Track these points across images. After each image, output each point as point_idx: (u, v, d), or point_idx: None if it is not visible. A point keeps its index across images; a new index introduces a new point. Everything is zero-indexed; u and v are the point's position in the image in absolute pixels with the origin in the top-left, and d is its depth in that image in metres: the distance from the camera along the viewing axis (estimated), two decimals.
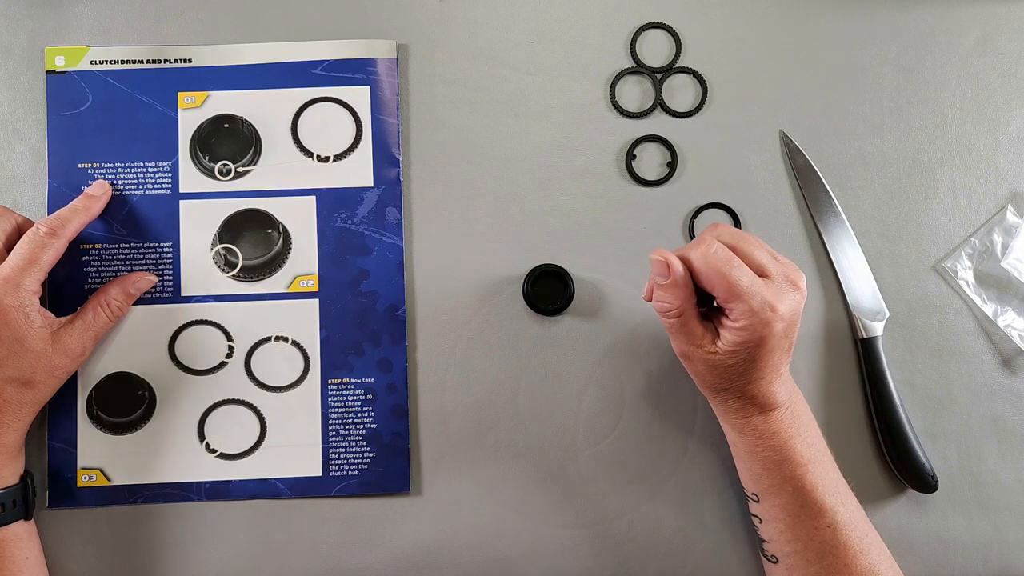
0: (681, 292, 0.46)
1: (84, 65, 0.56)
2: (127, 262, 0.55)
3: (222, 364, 0.55)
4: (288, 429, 0.54)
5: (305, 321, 0.55)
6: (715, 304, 0.47)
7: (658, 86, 0.58)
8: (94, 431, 0.54)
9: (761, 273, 0.46)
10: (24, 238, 0.49)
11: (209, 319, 0.55)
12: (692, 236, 0.57)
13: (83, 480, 0.53)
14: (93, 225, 0.54)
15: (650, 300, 0.49)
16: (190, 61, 0.56)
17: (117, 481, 0.54)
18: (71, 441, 0.53)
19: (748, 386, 0.47)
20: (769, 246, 0.48)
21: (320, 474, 0.54)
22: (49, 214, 0.54)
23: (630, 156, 0.57)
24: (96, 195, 0.53)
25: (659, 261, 0.46)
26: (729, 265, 0.45)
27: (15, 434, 0.49)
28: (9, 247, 0.50)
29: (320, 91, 0.56)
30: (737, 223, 0.56)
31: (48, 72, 0.56)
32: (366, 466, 0.54)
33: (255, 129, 0.56)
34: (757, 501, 0.49)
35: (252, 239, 0.55)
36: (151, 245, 0.55)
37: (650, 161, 0.58)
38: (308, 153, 0.56)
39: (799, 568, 0.48)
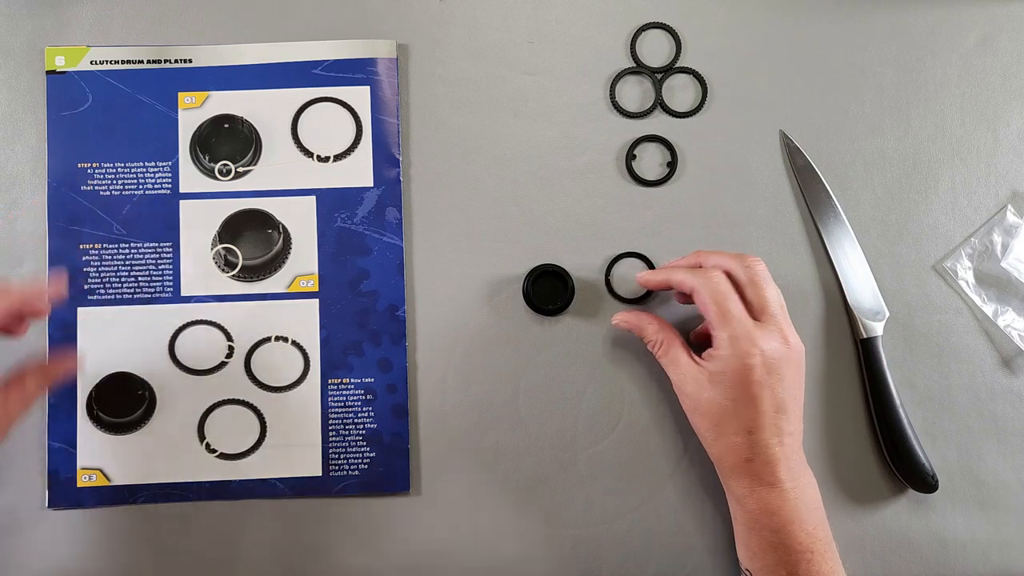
0: (657, 322, 0.52)
1: (84, 65, 0.56)
2: (127, 262, 0.55)
3: (222, 364, 0.55)
4: (288, 429, 0.54)
5: (305, 321, 0.55)
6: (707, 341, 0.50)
7: (658, 86, 0.58)
8: (94, 431, 0.54)
9: (758, 316, 0.48)
10: None
11: (209, 319, 0.55)
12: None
13: (83, 480, 0.53)
14: (93, 225, 0.54)
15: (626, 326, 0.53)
16: (190, 61, 0.56)
17: (117, 481, 0.54)
18: (71, 441, 0.53)
19: (738, 438, 0.47)
20: (783, 301, 0.50)
21: (320, 474, 0.54)
22: (49, 213, 0.54)
23: (630, 156, 0.57)
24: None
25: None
26: (725, 296, 0.48)
27: None
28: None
29: (320, 91, 0.56)
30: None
31: (48, 72, 0.56)
32: (366, 466, 0.54)
33: (255, 129, 0.56)
34: None
35: (252, 239, 0.55)
36: (151, 245, 0.55)
37: (650, 161, 0.58)
38: (308, 153, 0.56)
39: None
